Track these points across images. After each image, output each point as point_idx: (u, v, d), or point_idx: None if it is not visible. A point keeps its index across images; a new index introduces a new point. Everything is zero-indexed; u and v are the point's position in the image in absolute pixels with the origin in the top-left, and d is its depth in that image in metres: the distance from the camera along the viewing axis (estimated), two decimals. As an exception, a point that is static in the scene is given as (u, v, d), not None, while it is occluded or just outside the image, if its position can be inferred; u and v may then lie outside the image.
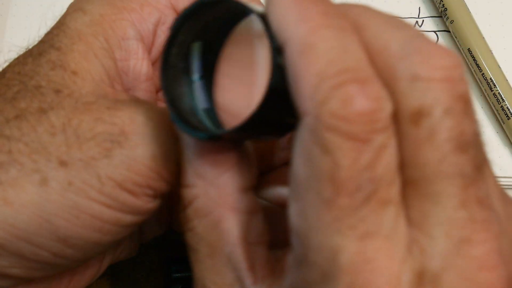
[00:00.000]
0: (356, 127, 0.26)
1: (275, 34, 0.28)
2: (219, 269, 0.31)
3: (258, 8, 0.30)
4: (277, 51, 0.28)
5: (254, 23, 0.32)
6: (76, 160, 0.32)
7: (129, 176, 0.32)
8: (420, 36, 0.28)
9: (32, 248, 0.32)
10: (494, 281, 0.26)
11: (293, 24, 0.27)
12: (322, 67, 0.26)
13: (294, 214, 0.27)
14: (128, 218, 0.33)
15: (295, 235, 0.27)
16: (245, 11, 0.31)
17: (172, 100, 0.32)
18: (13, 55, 0.37)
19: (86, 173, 0.32)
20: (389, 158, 0.26)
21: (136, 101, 0.35)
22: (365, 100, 0.26)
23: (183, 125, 0.30)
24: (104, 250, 0.36)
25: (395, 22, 0.28)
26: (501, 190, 0.30)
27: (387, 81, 0.27)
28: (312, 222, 0.26)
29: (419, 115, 0.26)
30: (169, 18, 0.39)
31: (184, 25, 0.32)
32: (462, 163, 0.26)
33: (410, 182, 0.27)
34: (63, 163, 0.32)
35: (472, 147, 0.27)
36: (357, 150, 0.26)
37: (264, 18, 0.29)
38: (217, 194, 0.31)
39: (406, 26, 0.28)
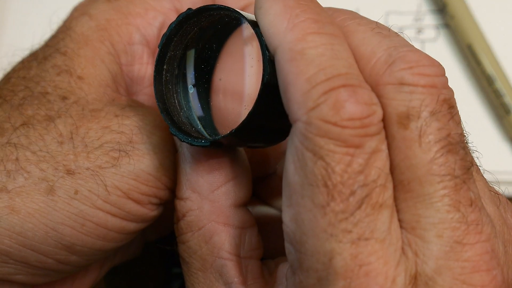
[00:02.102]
0: (348, 132, 0.26)
1: (265, 42, 0.28)
2: (211, 282, 0.31)
3: (250, 15, 0.30)
4: (269, 57, 0.28)
5: (248, 29, 0.32)
6: (83, 169, 0.32)
7: (136, 186, 0.33)
8: (406, 44, 0.28)
9: (38, 255, 0.32)
10: (488, 283, 0.27)
11: (282, 32, 0.27)
12: (313, 74, 0.26)
13: (288, 220, 0.27)
14: (132, 226, 0.34)
15: (290, 241, 0.28)
16: (235, 18, 0.31)
17: (169, 114, 0.32)
18: (17, 59, 0.37)
19: (93, 182, 0.32)
20: (382, 162, 0.27)
21: (143, 108, 0.35)
22: (356, 105, 0.26)
23: (183, 136, 0.31)
24: (106, 255, 0.37)
25: (382, 29, 0.29)
26: (491, 192, 0.30)
27: (373, 86, 0.27)
28: (306, 228, 0.27)
29: (407, 118, 0.27)
30: None
31: (172, 41, 0.32)
32: (452, 164, 0.27)
33: (401, 185, 0.27)
34: (70, 172, 0.32)
35: (460, 148, 0.27)
36: (349, 155, 0.26)
37: (255, 25, 0.29)
38: (210, 209, 0.31)
39: (393, 34, 0.29)
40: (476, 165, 0.29)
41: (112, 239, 0.33)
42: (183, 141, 0.31)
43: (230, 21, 0.32)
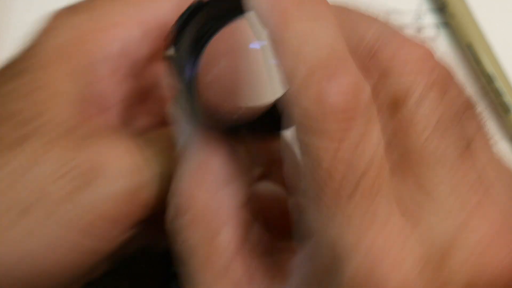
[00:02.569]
0: (330, 125, 0.25)
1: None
2: (212, 284, 0.31)
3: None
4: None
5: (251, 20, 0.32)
6: (52, 194, 0.31)
7: (107, 211, 0.32)
8: (394, 28, 0.28)
9: (10, 280, 0.32)
10: (504, 257, 0.26)
11: (267, 18, 0.27)
12: (292, 65, 0.26)
13: (292, 211, 0.28)
14: (107, 246, 0.33)
15: (298, 231, 0.28)
16: (240, 10, 0.31)
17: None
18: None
19: (63, 208, 0.32)
20: (373, 148, 0.26)
21: (113, 129, 0.34)
22: (340, 95, 0.25)
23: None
24: (84, 275, 0.36)
25: (371, 16, 0.28)
26: (499, 163, 0.29)
27: (362, 72, 0.27)
28: (307, 218, 0.27)
29: (398, 100, 0.26)
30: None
31: (182, 32, 0.31)
32: (448, 145, 0.26)
33: (398, 171, 0.27)
34: (38, 199, 0.31)
35: (456, 126, 0.27)
36: (337, 144, 0.25)
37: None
38: (211, 208, 0.31)
39: (382, 20, 0.28)
40: (481, 130, 0.28)
41: (85, 262, 0.33)
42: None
43: (236, 12, 0.32)
